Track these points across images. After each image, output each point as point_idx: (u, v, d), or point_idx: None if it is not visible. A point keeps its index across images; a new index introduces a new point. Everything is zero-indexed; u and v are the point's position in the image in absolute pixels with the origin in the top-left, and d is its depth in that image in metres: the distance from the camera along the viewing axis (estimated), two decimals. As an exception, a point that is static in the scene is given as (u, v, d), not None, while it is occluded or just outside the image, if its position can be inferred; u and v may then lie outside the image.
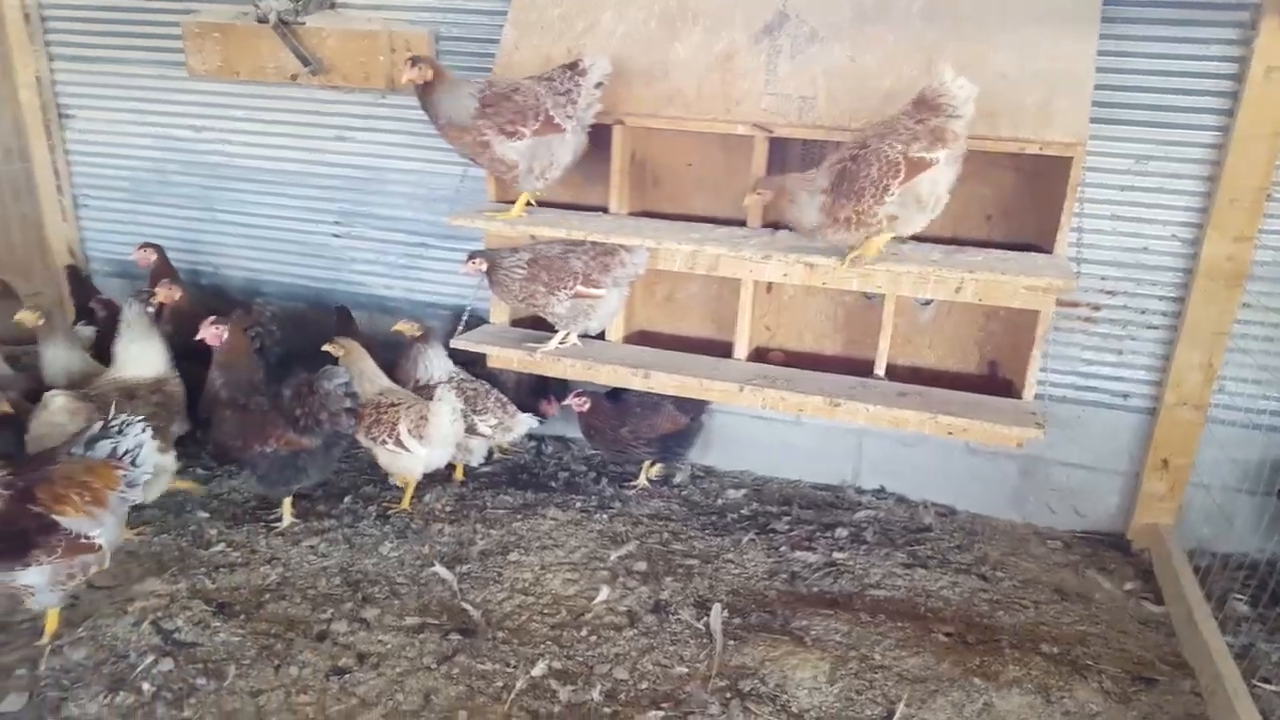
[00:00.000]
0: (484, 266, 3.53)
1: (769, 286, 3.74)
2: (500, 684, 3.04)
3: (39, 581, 2.96)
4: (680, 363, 3.59)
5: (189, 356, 3.88)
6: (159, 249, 4.58)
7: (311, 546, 3.72)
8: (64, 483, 3.02)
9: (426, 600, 3.43)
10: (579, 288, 3.45)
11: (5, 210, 5.64)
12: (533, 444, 4.65)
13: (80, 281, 4.92)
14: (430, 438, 3.77)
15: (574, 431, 4.63)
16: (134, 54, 4.81)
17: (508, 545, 3.79)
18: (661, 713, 2.92)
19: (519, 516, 4.00)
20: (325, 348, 3.93)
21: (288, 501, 3.85)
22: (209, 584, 3.45)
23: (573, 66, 3.42)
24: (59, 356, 3.96)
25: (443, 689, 3.00)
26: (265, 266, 4.96)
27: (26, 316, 3.93)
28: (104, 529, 3.06)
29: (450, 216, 3.68)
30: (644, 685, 3.05)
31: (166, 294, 4.15)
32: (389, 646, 3.18)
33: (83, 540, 3.00)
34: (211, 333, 3.64)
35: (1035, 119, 3.14)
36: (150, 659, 3.03)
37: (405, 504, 4.01)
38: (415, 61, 3.34)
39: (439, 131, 3.46)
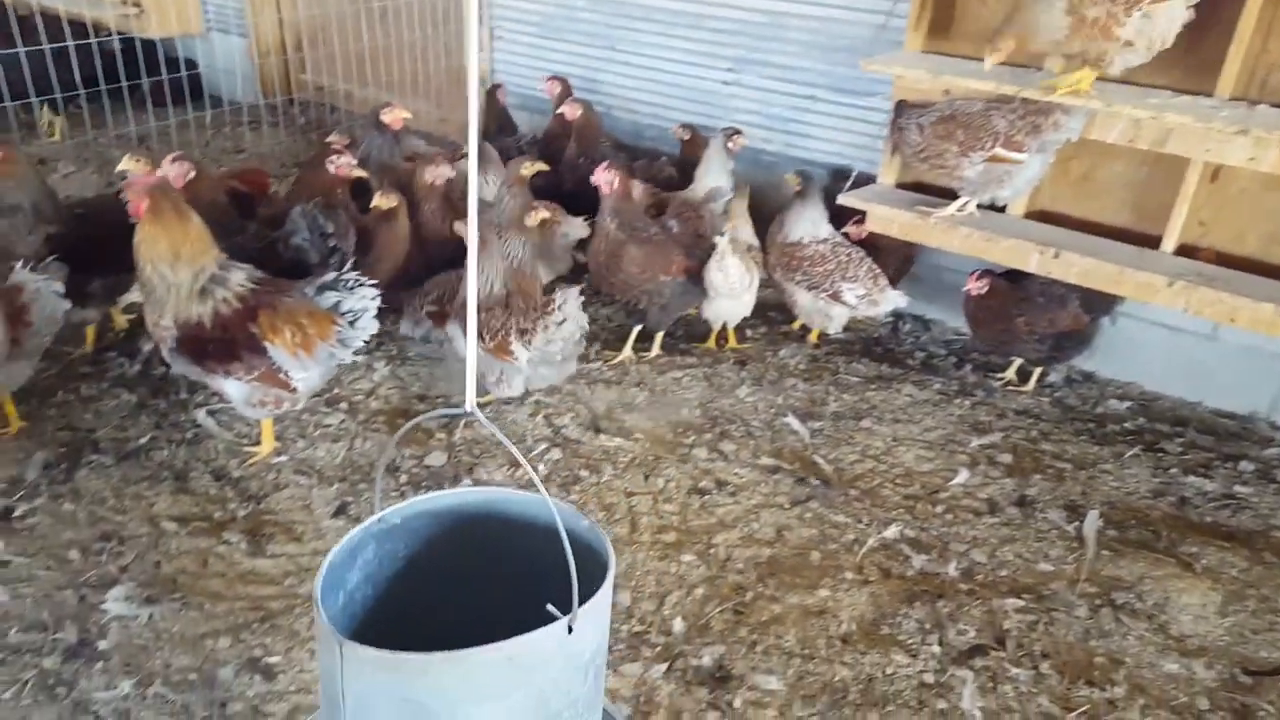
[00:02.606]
0: (894, 119, 3.36)
1: (1215, 173, 3.23)
2: (852, 537, 3.05)
3: (234, 394, 3.10)
4: (1096, 246, 3.24)
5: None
6: (564, 81, 4.85)
7: (675, 379, 3.90)
8: (285, 315, 3.02)
9: (779, 446, 3.50)
10: (998, 150, 3.18)
11: (426, 38, 6.26)
12: (889, 320, 4.51)
13: (494, 104, 5.28)
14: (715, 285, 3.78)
15: (934, 312, 4.42)
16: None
17: (860, 412, 3.74)
18: (1021, 602, 2.79)
19: (873, 386, 3.92)
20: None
21: (660, 335, 4.05)
22: (588, 393, 3.76)
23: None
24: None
25: (795, 528, 3.08)
26: (650, 110, 5.10)
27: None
28: (305, 374, 3.10)
29: (866, 62, 3.52)
30: (1003, 573, 2.92)
31: (570, 110, 4.49)
32: (744, 480, 3.29)
33: (281, 375, 3.05)
34: (604, 178, 3.81)
35: None
36: (544, 446, 3.38)
37: (734, 342, 4.13)
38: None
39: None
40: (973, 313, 3.82)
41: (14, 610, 2.60)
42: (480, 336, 3.34)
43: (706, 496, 3.20)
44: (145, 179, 3.06)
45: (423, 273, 3.77)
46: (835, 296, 3.82)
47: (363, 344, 3.17)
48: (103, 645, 2.51)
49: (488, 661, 1.34)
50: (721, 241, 3.65)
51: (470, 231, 1.64)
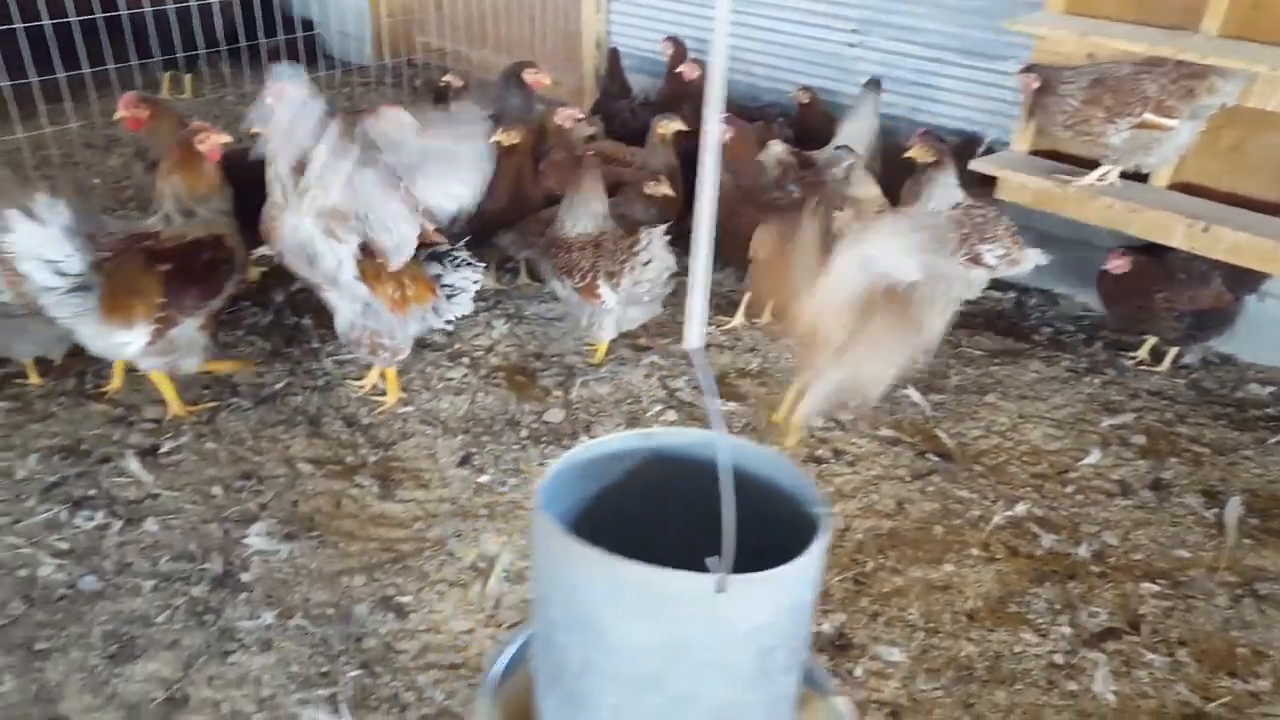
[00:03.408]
0: (1036, 83, 3.22)
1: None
2: (977, 513, 2.98)
3: (341, 323, 3.16)
4: (1248, 221, 3.06)
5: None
6: (678, 41, 4.80)
7: (790, 346, 3.85)
8: (393, 273, 3.06)
9: (899, 418, 3.43)
10: (1147, 115, 3.03)
11: (544, 1, 6.27)
12: (1013, 293, 4.36)
13: (616, 67, 5.23)
14: None
15: (1063, 286, 4.26)
16: None
17: (984, 386, 3.64)
18: (1157, 588, 2.69)
19: (996, 361, 3.81)
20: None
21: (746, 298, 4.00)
22: (675, 357, 3.76)
23: None
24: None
25: (917, 502, 3.02)
26: (767, 73, 5.01)
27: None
28: (397, 334, 3.15)
29: (1010, 22, 3.38)
30: (1138, 556, 2.82)
31: (690, 71, 4.49)
32: (863, 450, 3.25)
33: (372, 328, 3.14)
34: (718, 132, 3.75)
35: None
36: (659, 407, 3.39)
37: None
38: None
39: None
40: (1108, 289, 3.66)
41: (164, 540, 2.75)
42: (568, 276, 3.40)
43: (824, 465, 3.17)
44: None
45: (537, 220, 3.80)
46: (975, 260, 3.70)
47: (451, 320, 3.28)
48: (245, 577, 2.63)
49: (627, 579, 1.28)
50: (840, 217, 3.57)
51: (706, 180, 1.51)
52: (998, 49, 4.08)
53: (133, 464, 3.00)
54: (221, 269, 3.15)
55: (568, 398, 3.46)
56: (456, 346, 3.74)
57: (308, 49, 6.42)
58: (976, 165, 3.59)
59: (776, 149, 3.76)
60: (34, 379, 3.35)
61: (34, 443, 3.09)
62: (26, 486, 2.91)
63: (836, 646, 2.51)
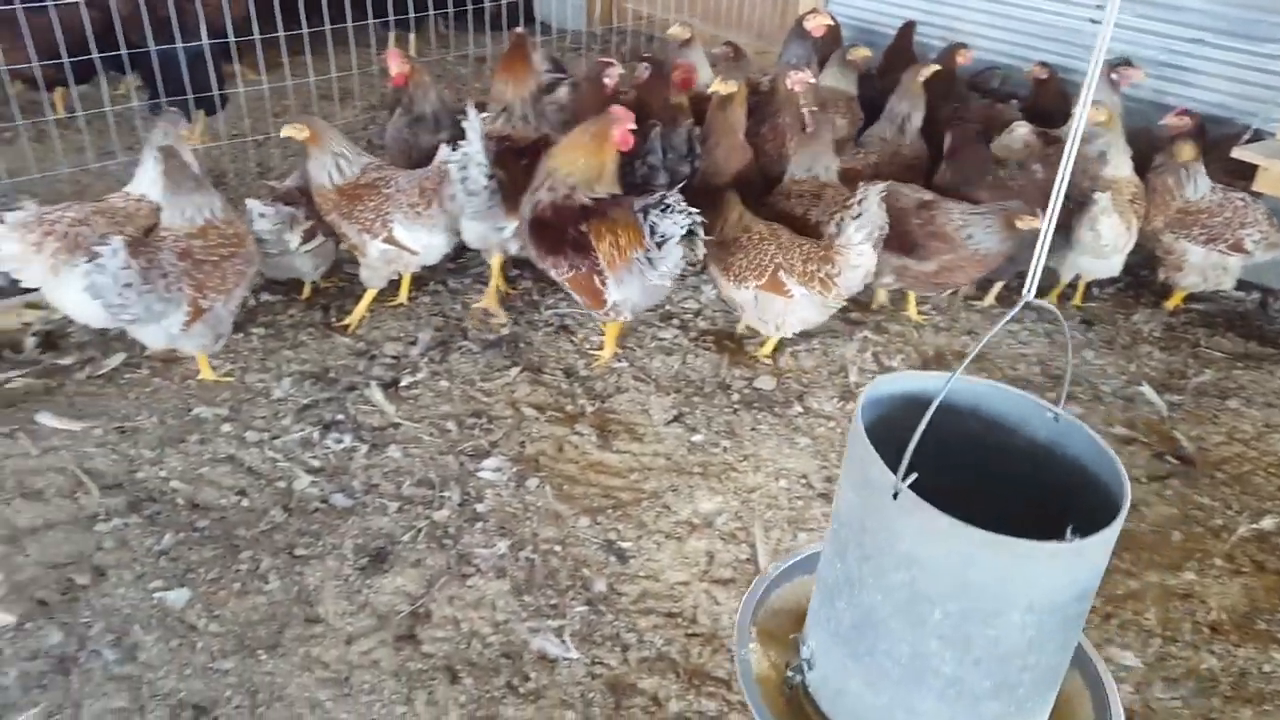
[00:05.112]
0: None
1: None
2: (1219, 523, 2.80)
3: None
4: None
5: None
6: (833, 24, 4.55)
7: (1011, 331, 3.71)
8: (610, 225, 3.12)
9: (1132, 416, 3.25)
10: None
11: (757, -30, 6.22)
12: (1256, 294, 4.03)
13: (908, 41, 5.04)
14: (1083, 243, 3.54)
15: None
16: None
17: (1226, 390, 3.39)
18: None
19: (1239, 365, 3.54)
20: None
21: (997, 285, 3.86)
22: (916, 336, 3.67)
23: None
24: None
25: (1153, 504, 2.86)
26: (997, 48, 4.79)
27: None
28: (618, 287, 3.16)
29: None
30: None
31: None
32: (1093, 446, 3.10)
33: (594, 282, 3.16)
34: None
35: None
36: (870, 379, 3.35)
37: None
38: None
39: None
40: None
41: (405, 466, 2.94)
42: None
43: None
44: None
45: (759, 183, 3.78)
46: (1237, 246, 3.46)
47: (677, 269, 3.17)
48: (479, 508, 2.79)
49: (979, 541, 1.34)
50: (1102, 199, 3.38)
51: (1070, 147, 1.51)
52: (1266, 30, 3.75)
53: (377, 394, 3.22)
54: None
55: (777, 366, 3.46)
56: (666, 308, 3.80)
57: (526, 12, 6.62)
58: (1239, 153, 3.32)
59: (1021, 130, 3.59)
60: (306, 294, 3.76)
61: (287, 367, 3.36)
62: (282, 406, 3.17)
63: (1064, 643, 2.42)
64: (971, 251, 3.36)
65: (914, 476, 1.40)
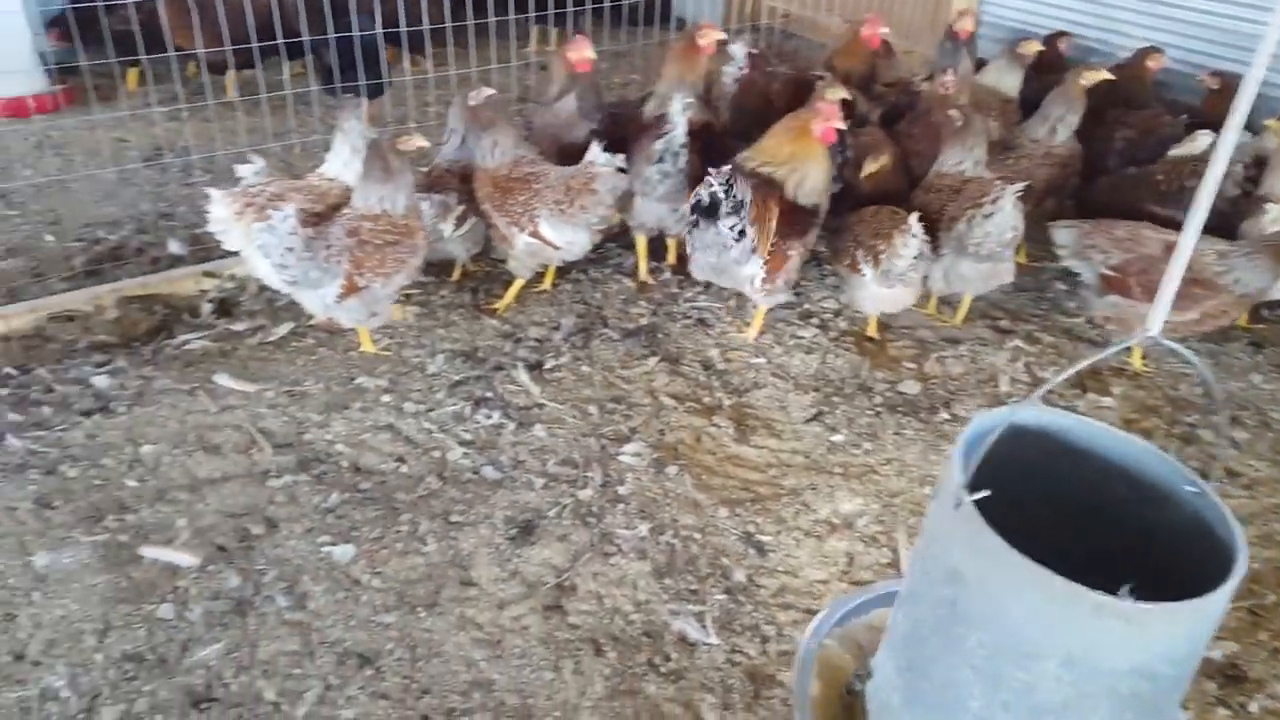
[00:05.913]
0: None
1: None
2: (1404, 566, 2.62)
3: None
4: None
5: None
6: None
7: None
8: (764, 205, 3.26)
9: (1303, 446, 3.08)
10: None
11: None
12: None
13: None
14: None
15: None
16: None
17: None
18: None
19: None
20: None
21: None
22: (1072, 349, 3.55)
23: None
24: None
25: (1325, 546, 2.70)
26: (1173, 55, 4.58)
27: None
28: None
29: None
30: None
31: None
32: (1261, 474, 2.95)
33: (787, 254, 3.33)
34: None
35: None
36: (1022, 393, 3.27)
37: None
38: None
39: None
40: None
41: (550, 445, 3.03)
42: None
43: (1213, 484, 2.89)
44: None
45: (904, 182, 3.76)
46: None
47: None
48: (621, 490, 2.85)
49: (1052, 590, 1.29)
50: (1274, 209, 3.21)
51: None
52: None
53: (523, 375, 3.33)
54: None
55: (922, 370, 3.41)
56: (805, 307, 3.79)
57: (663, 10, 6.68)
58: None
59: (1204, 139, 3.45)
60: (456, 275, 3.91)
61: (440, 345, 3.51)
62: (436, 381, 3.31)
63: (1227, 676, 2.31)
64: (1238, 296, 3.18)
65: (985, 493, 1.38)
